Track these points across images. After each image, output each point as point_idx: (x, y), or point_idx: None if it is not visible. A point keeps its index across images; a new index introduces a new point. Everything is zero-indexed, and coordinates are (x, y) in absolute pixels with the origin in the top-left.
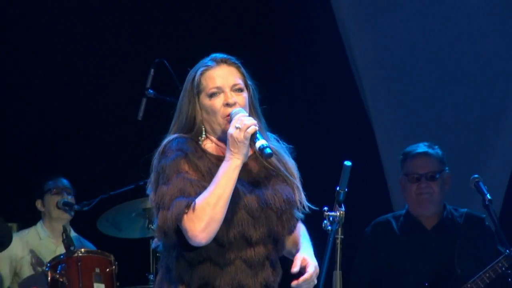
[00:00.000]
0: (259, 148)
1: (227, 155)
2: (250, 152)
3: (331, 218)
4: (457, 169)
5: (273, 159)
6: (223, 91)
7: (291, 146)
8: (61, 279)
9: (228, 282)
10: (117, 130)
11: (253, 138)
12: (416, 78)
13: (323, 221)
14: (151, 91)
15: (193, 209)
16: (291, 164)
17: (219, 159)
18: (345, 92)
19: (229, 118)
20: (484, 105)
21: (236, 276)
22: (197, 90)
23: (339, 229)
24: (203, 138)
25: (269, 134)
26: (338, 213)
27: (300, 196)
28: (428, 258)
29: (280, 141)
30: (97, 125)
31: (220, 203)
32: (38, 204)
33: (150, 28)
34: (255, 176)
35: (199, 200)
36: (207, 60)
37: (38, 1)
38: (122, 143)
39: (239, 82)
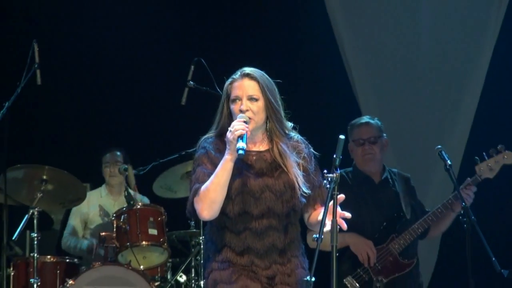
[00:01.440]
0: (236, 148)
1: (226, 151)
2: (266, 147)
3: (329, 179)
4: (425, 139)
5: (278, 156)
6: (241, 99)
7: (317, 153)
8: (123, 226)
9: (240, 245)
10: (166, 113)
11: (241, 138)
12: (395, 64)
13: (323, 181)
14: (192, 82)
15: (199, 194)
16: (292, 162)
17: None
18: (336, 78)
19: None
20: (447, 91)
21: (245, 241)
22: (226, 96)
23: (335, 187)
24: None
25: (292, 134)
26: (334, 175)
27: (299, 184)
28: (379, 205)
29: (301, 142)
30: (153, 109)
31: (217, 188)
32: (103, 170)
33: (193, 33)
34: (266, 166)
35: (203, 187)
36: (237, 73)
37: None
38: (169, 122)
39: (255, 93)
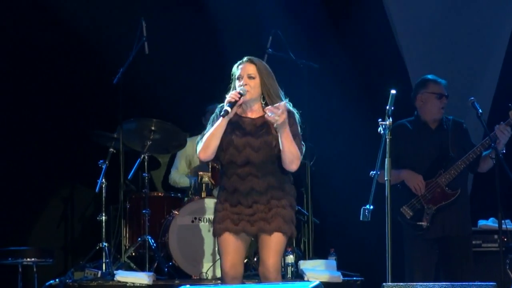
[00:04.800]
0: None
1: None
2: (260, 114)
3: (383, 126)
4: (459, 92)
5: (268, 120)
6: (242, 77)
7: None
8: (217, 166)
9: (230, 186)
10: None
11: (230, 104)
12: (437, 30)
13: (378, 127)
14: (270, 50)
15: (201, 140)
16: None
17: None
18: (384, 45)
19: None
20: (476, 50)
21: (234, 184)
22: (233, 75)
23: (388, 132)
24: None
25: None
26: (387, 122)
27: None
28: (433, 147)
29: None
30: None
31: (212, 138)
32: (203, 119)
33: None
34: (254, 128)
35: (204, 137)
36: (242, 59)
37: None
38: None
39: (253, 73)
